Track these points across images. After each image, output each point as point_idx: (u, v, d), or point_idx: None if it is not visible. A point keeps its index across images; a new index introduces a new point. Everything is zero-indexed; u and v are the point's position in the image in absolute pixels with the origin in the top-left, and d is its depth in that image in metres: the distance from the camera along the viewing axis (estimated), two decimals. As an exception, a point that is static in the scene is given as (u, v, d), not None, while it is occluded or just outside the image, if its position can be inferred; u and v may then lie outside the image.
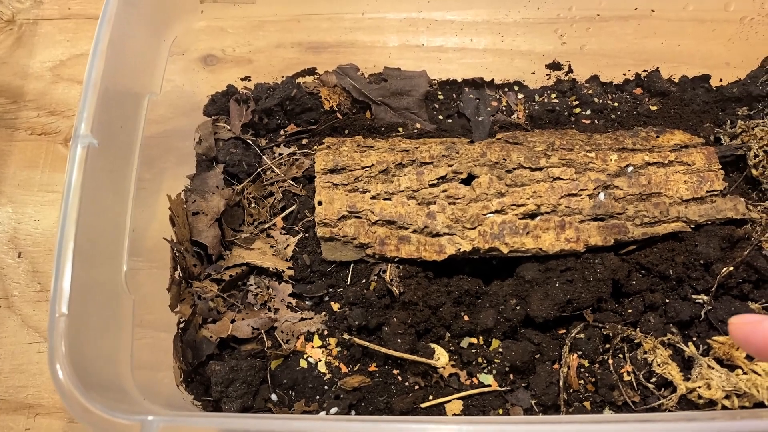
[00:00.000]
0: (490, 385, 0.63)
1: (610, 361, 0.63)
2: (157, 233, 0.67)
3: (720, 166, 0.68)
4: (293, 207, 0.72)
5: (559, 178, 0.67)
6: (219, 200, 0.70)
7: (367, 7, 0.77)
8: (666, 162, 0.68)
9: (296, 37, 0.79)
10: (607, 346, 0.64)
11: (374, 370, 0.64)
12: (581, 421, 0.53)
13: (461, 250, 0.65)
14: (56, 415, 0.69)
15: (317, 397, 0.63)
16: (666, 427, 0.45)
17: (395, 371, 0.64)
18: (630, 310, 0.65)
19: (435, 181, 0.67)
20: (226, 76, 0.79)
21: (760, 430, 0.43)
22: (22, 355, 0.71)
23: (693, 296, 0.65)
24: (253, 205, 0.72)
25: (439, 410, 0.62)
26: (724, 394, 0.58)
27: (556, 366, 0.64)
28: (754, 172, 0.71)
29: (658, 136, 0.70)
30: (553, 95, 0.79)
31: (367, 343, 0.63)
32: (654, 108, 0.77)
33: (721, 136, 0.74)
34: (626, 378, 0.62)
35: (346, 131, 0.76)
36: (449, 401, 0.63)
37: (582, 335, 0.64)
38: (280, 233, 0.71)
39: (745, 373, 0.59)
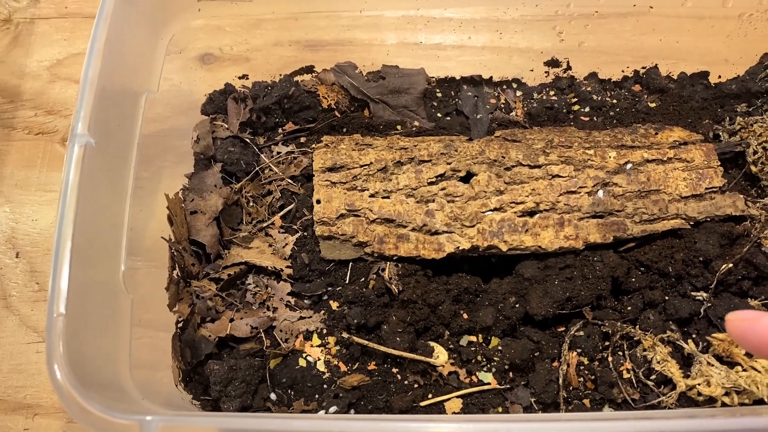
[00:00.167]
0: (489, 384, 0.63)
1: (610, 358, 0.63)
2: (156, 232, 0.67)
3: (719, 163, 0.68)
4: (292, 206, 0.72)
5: (558, 176, 0.66)
6: (217, 199, 0.70)
7: (364, 4, 0.76)
8: (665, 159, 0.68)
9: (294, 36, 0.79)
10: (607, 343, 0.64)
11: (373, 369, 0.64)
12: (581, 419, 0.53)
13: (460, 248, 0.65)
14: (55, 415, 0.68)
15: (316, 396, 0.63)
16: (666, 424, 0.45)
17: (394, 370, 0.64)
18: (629, 308, 0.65)
19: (434, 179, 0.67)
20: (224, 74, 0.79)
21: (759, 427, 0.43)
22: (21, 355, 0.71)
23: (692, 293, 0.65)
24: (251, 203, 0.72)
25: (438, 409, 0.62)
26: (723, 391, 0.58)
27: (555, 364, 0.64)
28: (753, 168, 0.71)
29: (656, 133, 0.70)
30: (552, 92, 0.79)
31: (366, 342, 0.63)
32: (653, 105, 0.77)
33: (720, 133, 0.74)
34: (626, 375, 0.62)
35: (345, 129, 0.76)
36: (448, 399, 0.63)
37: (581, 333, 0.64)
38: (279, 232, 0.71)
39: (744, 370, 0.59)
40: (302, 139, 0.76)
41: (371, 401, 0.63)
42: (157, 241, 0.66)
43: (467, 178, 0.68)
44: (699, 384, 0.60)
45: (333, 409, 0.62)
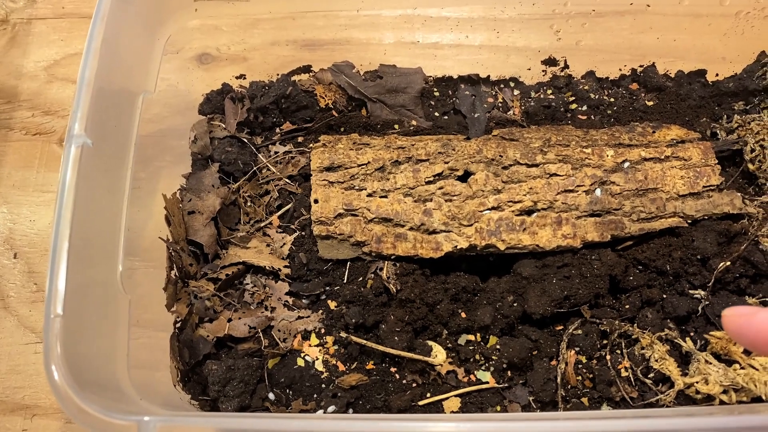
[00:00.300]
0: (487, 382, 0.63)
1: (608, 357, 0.63)
2: (153, 233, 0.67)
3: (716, 161, 0.68)
4: (289, 205, 0.72)
5: (556, 174, 0.66)
6: (215, 199, 0.70)
7: (362, 4, 0.76)
8: (662, 157, 0.68)
9: (291, 35, 0.79)
10: (605, 342, 0.64)
11: (372, 368, 0.64)
12: (579, 417, 0.53)
13: (458, 247, 0.65)
14: (53, 416, 0.68)
15: (315, 395, 0.63)
16: (664, 422, 0.45)
17: (393, 369, 0.64)
18: (627, 306, 0.65)
19: (431, 179, 0.67)
20: (221, 74, 0.79)
21: (757, 425, 0.43)
22: (19, 356, 0.71)
23: (690, 291, 0.65)
24: (249, 203, 0.72)
25: (436, 408, 0.62)
26: (721, 389, 0.58)
27: (553, 362, 0.64)
28: (750, 166, 0.71)
29: (654, 132, 0.70)
30: (549, 91, 0.79)
31: (364, 341, 0.63)
32: (650, 103, 0.77)
33: (718, 131, 0.74)
34: (624, 374, 0.62)
35: (342, 129, 0.76)
36: (447, 399, 0.63)
37: (579, 331, 0.64)
38: (277, 232, 0.70)
39: (742, 368, 0.59)
40: (300, 139, 0.76)
41: (369, 401, 0.63)
42: (155, 241, 0.66)
43: (465, 177, 0.68)
44: (697, 382, 0.60)
45: (331, 408, 0.62)
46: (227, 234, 0.70)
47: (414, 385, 0.64)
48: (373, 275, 0.66)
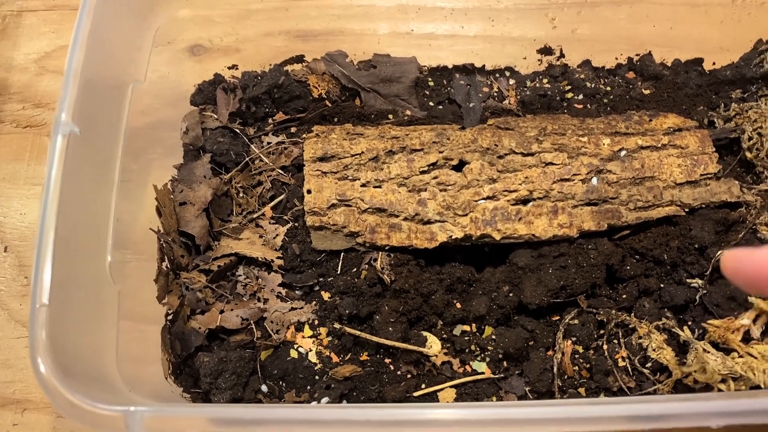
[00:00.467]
0: (483, 373, 0.63)
1: (605, 346, 0.63)
2: (145, 224, 0.66)
3: (714, 149, 0.67)
4: (282, 196, 0.71)
5: (552, 163, 0.66)
6: (206, 190, 0.69)
7: (355, -7, 0.76)
8: (659, 145, 0.67)
9: (284, 26, 0.78)
10: (602, 331, 0.64)
11: (366, 360, 0.63)
12: (573, 404, 0.52)
13: (453, 237, 0.64)
14: (44, 410, 0.67)
15: (308, 387, 0.63)
16: (658, 407, 0.44)
17: (387, 360, 0.63)
18: (624, 296, 0.64)
19: (426, 168, 0.66)
20: (214, 65, 0.78)
21: (756, 408, 0.42)
22: (9, 350, 0.70)
23: (688, 280, 0.64)
24: (241, 194, 0.71)
25: (431, 399, 0.62)
26: (720, 377, 0.58)
27: (550, 352, 0.63)
28: (748, 154, 0.70)
29: (651, 120, 0.70)
30: (545, 80, 0.78)
31: (358, 332, 0.63)
32: (647, 92, 0.76)
33: (715, 119, 0.73)
34: (621, 363, 0.62)
35: (336, 119, 0.75)
36: (442, 389, 0.62)
37: (576, 321, 0.64)
38: (269, 223, 0.70)
39: (740, 357, 0.58)
40: (293, 129, 0.75)
41: (364, 392, 0.62)
42: (146, 233, 0.65)
43: (460, 167, 0.67)
44: (695, 371, 0.59)
45: (325, 400, 0.61)
46: (219, 225, 0.70)
47: (409, 376, 0.63)
48: (367, 266, 0.65)
